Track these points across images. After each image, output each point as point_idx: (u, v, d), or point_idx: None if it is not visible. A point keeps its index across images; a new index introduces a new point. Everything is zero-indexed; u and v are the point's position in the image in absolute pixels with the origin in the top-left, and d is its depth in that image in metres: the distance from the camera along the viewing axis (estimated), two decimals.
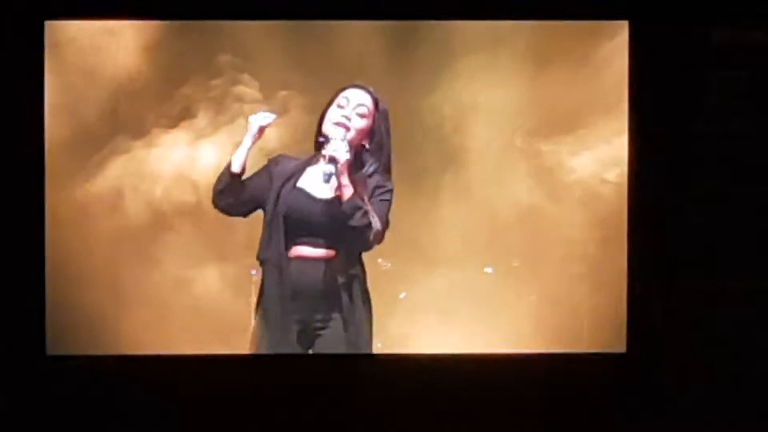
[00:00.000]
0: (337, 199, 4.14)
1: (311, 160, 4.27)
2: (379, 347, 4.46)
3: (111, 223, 4.70)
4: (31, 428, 4.63)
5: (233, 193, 4.21)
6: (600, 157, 4.72)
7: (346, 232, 4.14)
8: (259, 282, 4.25)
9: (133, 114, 4.72)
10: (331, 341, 4.21)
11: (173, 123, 4.75)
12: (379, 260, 4.57)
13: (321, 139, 4.22)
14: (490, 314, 4.67)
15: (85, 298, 4.65)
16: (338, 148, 4.11)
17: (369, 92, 4.25)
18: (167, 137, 4.75)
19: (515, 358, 4.67)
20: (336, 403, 4.64)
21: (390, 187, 4.23)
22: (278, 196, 4.21)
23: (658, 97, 4.70)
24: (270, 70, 4.74)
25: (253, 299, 4.44)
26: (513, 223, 4.71)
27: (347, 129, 4.18)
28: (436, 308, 4.65)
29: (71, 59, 4.67)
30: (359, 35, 4.71)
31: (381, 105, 4.25)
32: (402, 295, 4.62)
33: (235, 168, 4.18)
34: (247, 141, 4.19)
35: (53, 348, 4.65)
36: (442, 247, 4.68)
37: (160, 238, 4.73)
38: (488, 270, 4.70)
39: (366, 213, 4.11)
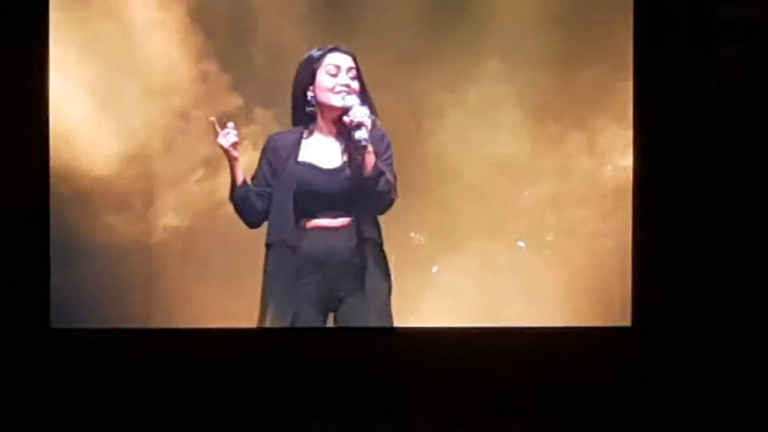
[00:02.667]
0: (348, 166, 4.14)
1: (303, 134, 4.26)
2: (411, 321, 4.48)
3: (115, 195, 4.64)
4: (36, 401, 4.58)
5: (254, 205, 4.21)
6: (607, 134, 4.74)
7: (369, 197, 4.16)
8: (265, 262, 4.27)
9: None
10: (353, 308, 4.24)
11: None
12: (412, 234, 4.58)
13: (310, 109, 4.20)
14: (523, 288, 4.69)
15: (90, 271, 4.60)
16: (361, 113, 4.12)
17: (348, 53, 4.27)
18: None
19: (523, 331, 4.68)
20: (358, 377, 4.65)
21: (387, 139, 4.27)
22: (282, 175, 4.19)
23: (664, 75, 4.72)
24: None
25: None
26: (547, 198, 4.73)
27: (354, 92, 4.19)
28: (468, 282, 4.64)
29: None
30: None
31: (357, 62, 4.28)
32: (435, 269, 4.62)
33: (239, 188, 4.20)
34: (232, 166, 4.20)
35: (57, 321, 4.59)
36: (475, 221, 4.67)
37: (166, 210, 4.67)
38: (521, 244, 4.70)
39: (386, 176, 4.13)
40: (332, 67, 4.23)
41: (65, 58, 4.59)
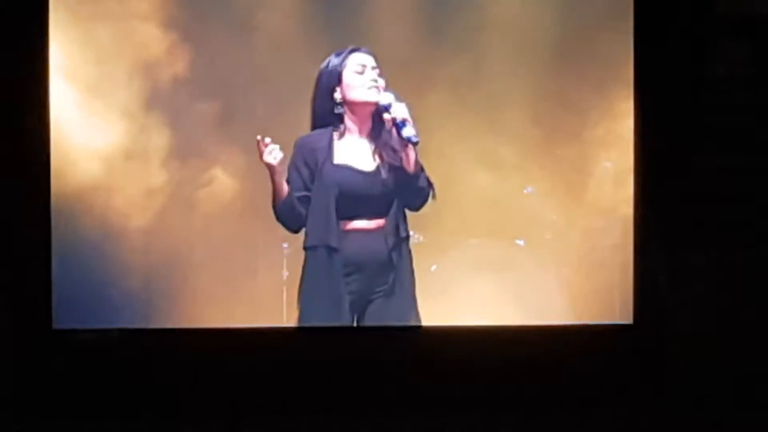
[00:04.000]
0: (383, 167, 4.18)
1: (333, 135, 4.25)
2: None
3: (118, 195, 4.65)
4: (38, 402, 4.59)
5: (300, 212, 4.24)
6: (607, 131, 4.73)
7: (410, 194, 4.21)
8: (304, 264, 4.28)
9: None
10: (383, 308, 4.26)
11: None
12: (411, 233, 4.57)
13: (339, 111, 4.21)
14: (521, 287, 4.68)
15: (92, 272, 4.60)
16: (402, 109, 4.15)
17: (369, 53, 4.27)
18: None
19: (524, 330, 4.68)
20: (356, 376, 4.67)
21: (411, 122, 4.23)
22: (321, 178, 4.20)
23: (663, 70, 4.70)
24: None
25: (285, 272, 4.53)
26: (546, 196, 4.72)
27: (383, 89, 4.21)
28: (467, 281, 4.64)
29: None
30: None
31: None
32: (433, 268, 4.62)
33: (287, 199, 4.22)
34: (277, 180, 4.22)
35: (59, 322, 4.60)
36: (474, 220, 4.67)
37: (171, 207, 4.68)
38: (520, 242, 4.70)
39: (426, 172, 4.23)
40: (358, 66, 4.23)
41: (64, 58, 4.59)
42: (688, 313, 4.70)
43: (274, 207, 4.28)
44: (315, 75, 4.33)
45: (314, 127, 4.30)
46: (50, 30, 4.58)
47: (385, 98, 4.19)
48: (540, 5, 4.75)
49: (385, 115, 4.16)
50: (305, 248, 4.28)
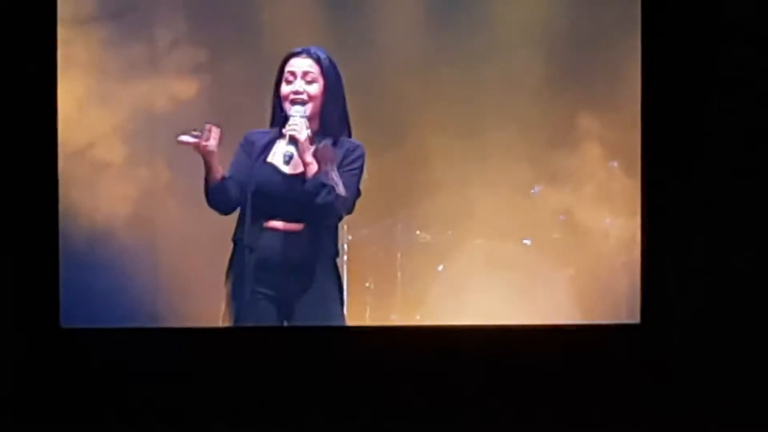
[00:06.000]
0: (303, 175, 4.13)
1: (279, 134, 4.24)
2: (418, 319, 4.47)
3: (125, 194, 4.66)
4: (45, 401, 4.60)
5: (223, 196, 4.21)
6: (614, 132, 4.72)
7: (313, 208, 4.14)
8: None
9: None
10: (303, 314, 4.22)
11: None
12: (418, 232, 4.60)
13: (282, 113, 4.20)
14: (528, 286, 4.69)
15: (100, 271, 4.62)
16: (297, 126, 4.11)
17: (309, 55, 4.21)
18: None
19: (531, 330, 4.67)
20: (355, 376, 4.66)
21: (360, 152, 4.21)
22: (248, 174, 4.20)
23: (670, 73, 4.70)
24: None
25: None
26: (553, 196, 4.72)
27: (303, 103, 4.16)
28: (474, 280, 4.65)
29: None
30: None
31: (325, 62, 4.21)
32: (440, 268, 4.62)
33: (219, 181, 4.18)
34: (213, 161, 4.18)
35: (67, 321, 4.62)
36: (480, 219, 4.67)
37: (177, 207, 4.69)
38: (527, 242, 4.70)
39: (331, 189, 4.10)
40: (288, 74, 4.20)
41: (71, 57, 4.62)
42: (695, 313, 4.68)
43: (205, 190, 4.23)
44: None
45: (272, 119, 4.29)
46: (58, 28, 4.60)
47: (295, 111, 4.14)
48: (548, 13, 4.74)
49: (284, 129, 4.16)
50: (233, 239, 4.28)
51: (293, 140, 4.09)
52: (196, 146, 4.13)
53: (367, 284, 4.74)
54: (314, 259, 4.20)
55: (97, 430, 4.61)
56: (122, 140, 4.67)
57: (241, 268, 4.22)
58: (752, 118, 4.71)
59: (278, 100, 4.22)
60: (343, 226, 4.59)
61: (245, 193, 4.20)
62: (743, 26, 4.69)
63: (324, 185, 4.11)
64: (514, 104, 4.71)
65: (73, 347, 4.63)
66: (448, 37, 4.69)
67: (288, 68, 4.20)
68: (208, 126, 4.16)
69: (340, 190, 4.13)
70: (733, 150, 4.72)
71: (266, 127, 4.30)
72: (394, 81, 4.55)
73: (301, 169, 4.17)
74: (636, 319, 4.70)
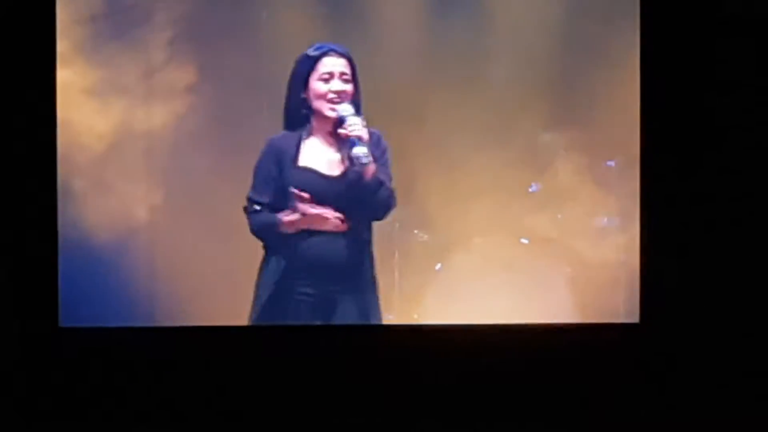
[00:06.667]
0: (347, 174, 4.13)
1: (302, 136, 4.22)
2: (415, 318, 4.48)
3: (124, 194, 4.67)
4: (45, 400, 4.60)
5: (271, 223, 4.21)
6: (613, 131, 4.72)
7: (369, 205, 4.15)
8: (262, 261, 4.27)
9: None
10: (345, 312, 4.21)
11: None
12: (415, 231, 4.59)
13: (305, 111, 4.18)
14: (526, 285, 4.69)
15: (99, 270, 4.63)
16: (358, 125, 4.09)
17: (342, 55, 4.20)
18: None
19: (530, 329, 4.67)
20: (355, 376, 4.67)
21: (384, 142, 4.20)
22: (282, 178, 4.18)
23: (669, 70, 4.69)
24: None
25: None
26: (551, 194, 4.72)
27: (348, 97, 4.15)
28: (472, 279, 4.64)
29: None
30: None
31: (353, 62, 4.21)
32: (438, 267, 4.62)
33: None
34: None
35: (66, 320, 4.63)
36: (478, 218, 4.67)
37: (176, 207, 4.70)
38: (524, 241, 4.70)
39: (385, 184, 4.13)
40: (325, 72, 4.17)
41: (72, 55, 4.62)
42: (694, 313, 4.68)
43: (264, 227, 4.23)
44: None
45: (287, 121, 4.27)
46: (57, 29, 4.62)
47: (343, 110, 4.13)
48: (546, 8, 4.74)
49: (340, 130, 4.13)
50: (264, 246, 4.27)
51: (360, 140, 4.07)
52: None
53: None
54: (358, 257, 4.21)
55: (96, 430, 4.60)
56: (121, 141, 4.67)
57: (278, 273, 4.22)
58: (752, 117, 4.70)
59: (301, 99, 4.18)
60: None
61: (284, 201, 4.18)
62: (742, 23, 4.68)
63: (381, 182, 4.13)
64: (512, 102, 4.71)
65: (72, 347, 4.64)
66: (447, 36, 4.69)
67: (323, 68, 4.16)
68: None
69: (390, 183, 4.16)
70: (733, 148, 4.71)
71: (275, 130, 4.31)
72: (392, 80, 4.54)
73: (341, 169, 4.17)
74: (635, 318, 4.69)
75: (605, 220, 4.73)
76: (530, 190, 4.71)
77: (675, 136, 4.70)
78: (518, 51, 4.72)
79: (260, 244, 4.55)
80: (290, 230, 4.15)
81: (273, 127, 4.42)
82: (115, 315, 4.64)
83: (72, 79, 4.63)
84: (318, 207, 4.14)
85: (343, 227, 4.15)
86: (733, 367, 4.66)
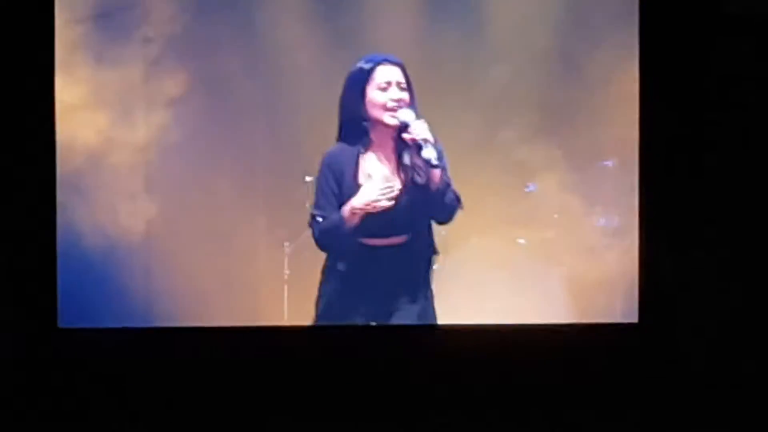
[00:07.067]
0: (407, 185, 4.14)
1: (359, 152, 4.21)
2: None
3: (123, 195, 4.68)
4: (43, 401, 4.61)
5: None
6: (612, 130, 4.71)
7: (436, 210, 4.19)
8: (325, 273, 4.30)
9: None
10: (402, 317, 4.30)
11: None
12: None
13: (364, 124, 4.17)
14: (523, 285, 4.69)
15: (97, 271, 4.63)
16: (421, 129, 4.08)
17: (397, 64, 4.20)
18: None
19: (528, 329, 4.66)
20: (357, 376, 4.69)
21: (440, 144, 4.19)
22: (344, 194, 4.18)
23: (668, 68, 4.68)
24: None
25: (286, 271, 4.57)
26: (548, 194, 4.71)
27: (406, 104, 4.15)
28: (468, 279, 4.64)
29: None
30: None
31: (406, 69, 4.22)
32: (435, 267, 4.61)
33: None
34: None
35: (64, 321, 4.63)
36: (474, 218, 4.65)
37: (174, 207, 4.70)
38: (521, 241, 4.69)
39: (452, 187, 4.17)
40: (383, 82, 4.16)
41: (71, 57, 4.64)
42: (693, 312, 4.67)
43: (328, 234, 4.22)
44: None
45: (341, 133, 4.25)
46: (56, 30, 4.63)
47: (405, 116, 4.12)
48: (546, 8, 4.73)
49: (405, 135, 4.12)
50: (327, 258, 4.28)
51: (427, 142, 4.06)
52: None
53: None
54: (417, 267, 4.26)
55: (94, 431, 4.61)
56: (120, 142, 4.68)
57: (337, 291, 4.27)
58: (751, 116, 4.70)
59: (360, 111, 4.17)
60: None
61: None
62: (742, 22, 4.67)
63: (448, 184, 4.16)
64: (509, 102, 4.70)
65: (70, 348, 4.64)
66: (444, 37, 4.69)
67: (380, 78, 4.15)
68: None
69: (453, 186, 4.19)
70: (733, 147, 4.71)
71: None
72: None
73: (400, 181, 4.18)
74: (633, 319, 4.69)
75: (602, 220, 4.72)
76: (527, 190, 4.70)
77: (674, 136, 4.69)
78: (516, 50, 4.71)
79: (258, 244, 4.61)
80: (354, 220, 4.14)
81: (272, 127, 4.46)
82: (113, 316, 4.64)
83: (71, 80, 4.64)
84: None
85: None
86: (732, 367, 4.66)
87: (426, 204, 4.19)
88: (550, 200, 4.71)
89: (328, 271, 4.29)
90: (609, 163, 4.72)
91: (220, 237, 4.66)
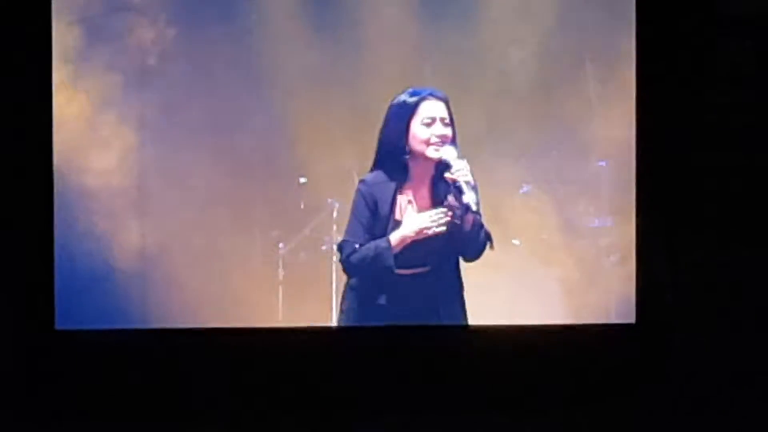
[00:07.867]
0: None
1: (398, 185, 4.17)
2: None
3: (120, 195, 4.69)
4: (41, 403, 4.62)
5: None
6: (609, 130, 4.70)
7: (466, 249, 4.17)
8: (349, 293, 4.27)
9: None
10: None
11: None
12: None
13: (404, 158, 4.13)
14: (517, 287, 4.68)
15: (95, 273, 4.63)
16: (463, 170, 4.06)
17: (442, 99, 4.16)
18: None
19: (524, 330, 4.66)
20: (360, 376, 4.70)
21: (475, 182, 4.12)
22: (380, 228, 4.15)
23: (665, 69, 4.67)
24: None
25: (280, 271, 4.58)
26: (543, 195, 4.71)
27: (448, 141, 4.11)
28: (465, 280, 4.59)
29: None
30: None
31: (450, 104, 4.17)
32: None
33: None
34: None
35: (62, 323, 4.64)
36: None
37: (170, 209, 4.71)
38: (515, 242, 4.68)
39: (485, 227, 4.14)
40: (428, 117, 4.11)
41: (68, 57, 4.66)
42: (690, 313, 4.66)
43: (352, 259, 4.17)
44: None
45: (377, 162, 4.20)
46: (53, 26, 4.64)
47: (448, 154, 4.08)
48: (543, 8, 4.72)
49: (447, 174, 4.09)
50: (350, 279, 4.24)
51: (468, 185, 4.04)
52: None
53: None
54: (442, 299, 4.24)
55: None
56: (119, 143, 4.69)
57: (365, 310, 4.25)
58: (749, 115, 4.68)
59: (402, 145, 4.12)
60: (333, 226, 4.61)
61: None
62: (740, 22, 4.66)
63: (482, 226, 4.13)
64: (504, 103, 4.69)
65: (68, 349, 4.65)
66: (439, 37, 4.69)
67: (424, 113, 4.10)
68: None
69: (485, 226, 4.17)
70: (729, 147, 4.69)
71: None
72: (388, 79, 4.53)
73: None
74: (631, 319, 4.67)
75: (597, 220, 4.71)
76: (521, 191, 4.70)
77: (671, 135, 4.68)
78: (512, 49, 4.70)
79: (253, 244, 4.62)
80: (398, 250, 4.12)
81: (266, 129, 4.45)
82: (111, 317, 4.64)
83: (70, 80, 4.65)
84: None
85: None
86: (729, 366, 4.64)
87: (456, 241, 4.16)
88: (546, 201, 4.70)
89: (350, 293, 4.26)
90: (604, 163, 4.71)
91: (215, 238, 4.66)
